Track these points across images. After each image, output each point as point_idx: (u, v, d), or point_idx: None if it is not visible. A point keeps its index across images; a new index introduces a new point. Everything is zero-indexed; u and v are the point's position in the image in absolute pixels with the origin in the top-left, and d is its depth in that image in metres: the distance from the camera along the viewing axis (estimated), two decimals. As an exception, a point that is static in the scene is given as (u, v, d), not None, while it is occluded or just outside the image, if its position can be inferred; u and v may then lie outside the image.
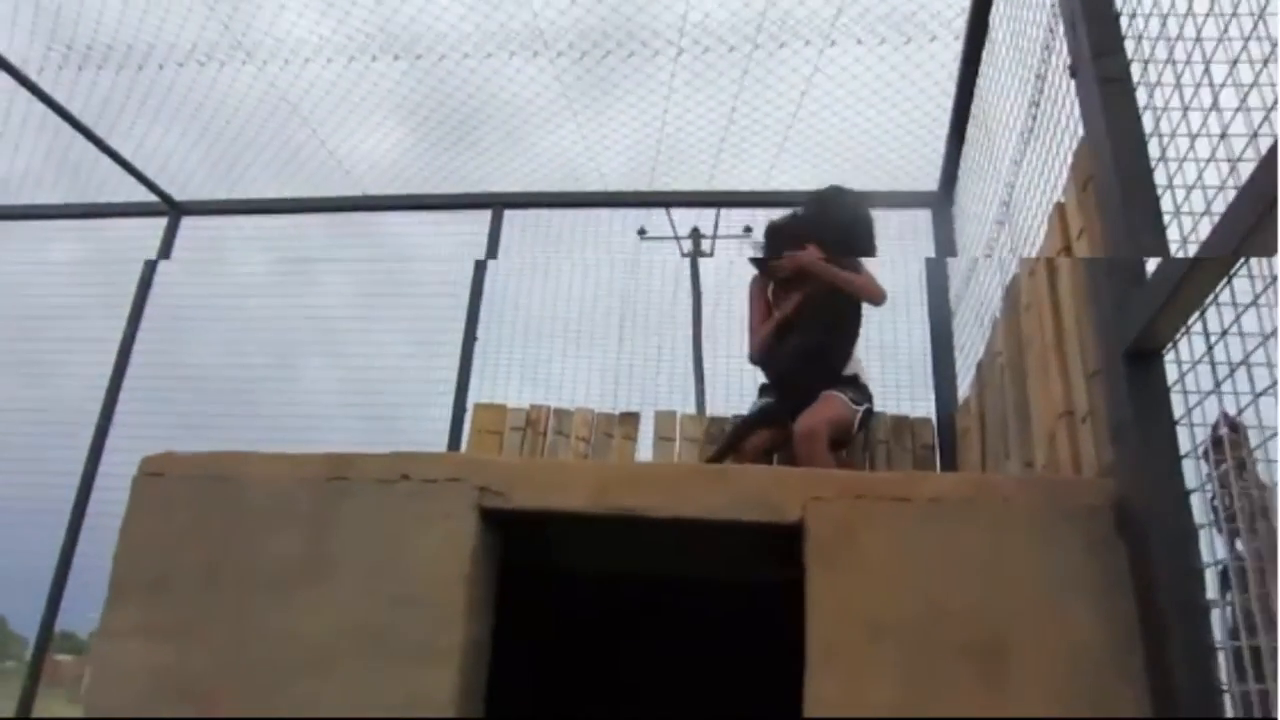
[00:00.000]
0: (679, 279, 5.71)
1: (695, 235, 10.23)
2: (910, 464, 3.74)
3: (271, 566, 1.77)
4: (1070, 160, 2.18)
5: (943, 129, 4.07)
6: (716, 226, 10.03)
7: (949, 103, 3.90)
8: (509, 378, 4.16)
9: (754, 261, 3.71)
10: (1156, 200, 1.76)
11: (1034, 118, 2.90)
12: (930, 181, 4.33)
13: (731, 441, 3.36)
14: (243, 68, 4.51)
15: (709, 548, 1.93)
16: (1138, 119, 1.84)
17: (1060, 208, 2.28)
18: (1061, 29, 2.34)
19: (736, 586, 2.26)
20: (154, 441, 2.17)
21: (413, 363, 4.32)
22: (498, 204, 4.38)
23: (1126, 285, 1.64)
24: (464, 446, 3.93)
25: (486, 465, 1.82)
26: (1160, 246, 1.71)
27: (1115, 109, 1.85)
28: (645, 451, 3.88)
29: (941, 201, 4.22)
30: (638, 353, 4.61)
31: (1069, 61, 2.09)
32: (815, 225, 3.59)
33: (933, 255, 4.19)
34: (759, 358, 3.60)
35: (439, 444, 3.96)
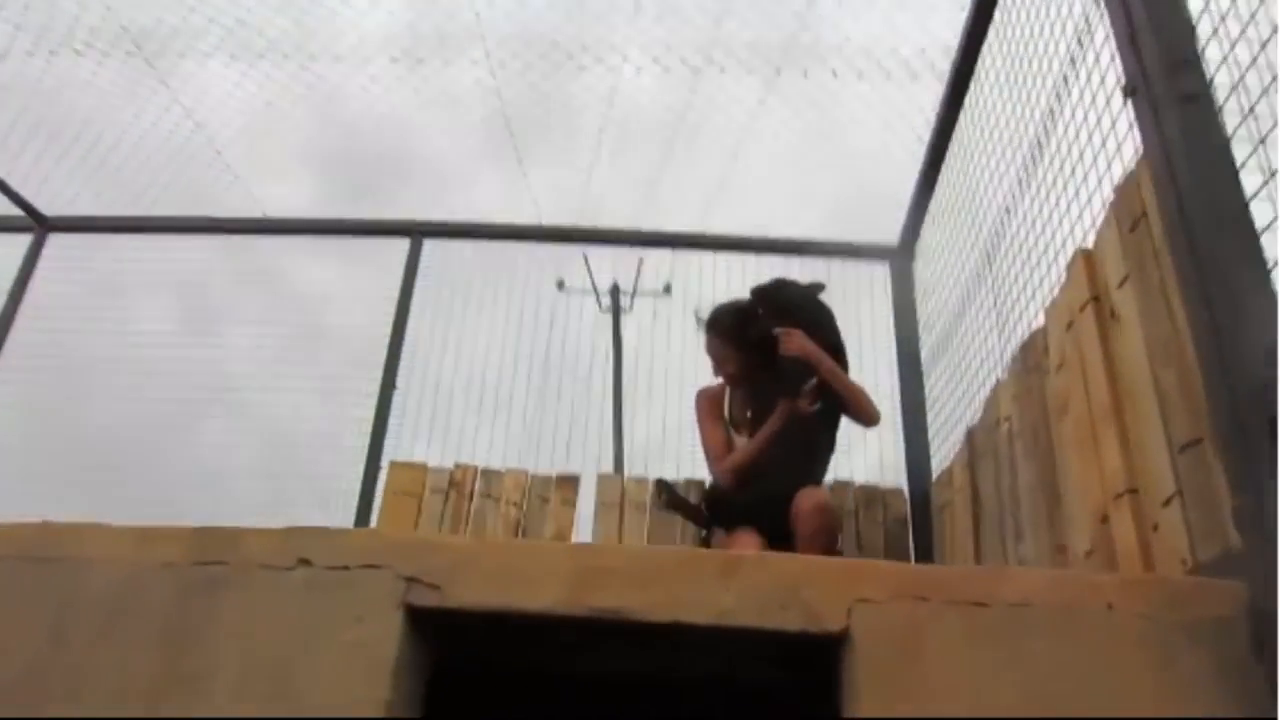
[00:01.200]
0: (598, 332, 5.28)
1: (615, 292, 9.87)
2: (881, 539, 3.37)
3: (112, 689, 1.27)
4: (1113, 198, 1.85)
5: (903, 180, 3.79)
6: (637, 281, 9.73)
7: (905, 149, 3.63)
8: (428, 434, 3.66)
9: (737, 327, 3.14)
10: (1256, 237, 1.44)
11: (1035, 158, 2.62)
12: (888, 234, 4.03)
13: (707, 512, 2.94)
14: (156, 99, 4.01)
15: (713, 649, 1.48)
16: (1226, 145, 1.52)
17: (1087, 256, 1.95)
18: (1100, 47, 2.05)
19: (747, 691, 1.81)
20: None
21: (322, 413, 3.79)
22: (416, 232, 3.92)
23: (1259, 338, 1.29)
24: (375, 513, 3.41)
25: (417, 547, 1.35)
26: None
27: (1195, 132, 1.53)
28: (585, 519, 3.42)
29: (902, 256, 3.92)
30: (560, 411, 4.16)
31: (1122, 82, 1.78)
32: (783, 313, 3.18)
33: (890, 313, 3.87)
34: (735, 486, 3.02)
35: (348, 512, 3.43)
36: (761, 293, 3.21)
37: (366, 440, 3.53)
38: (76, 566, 1.38)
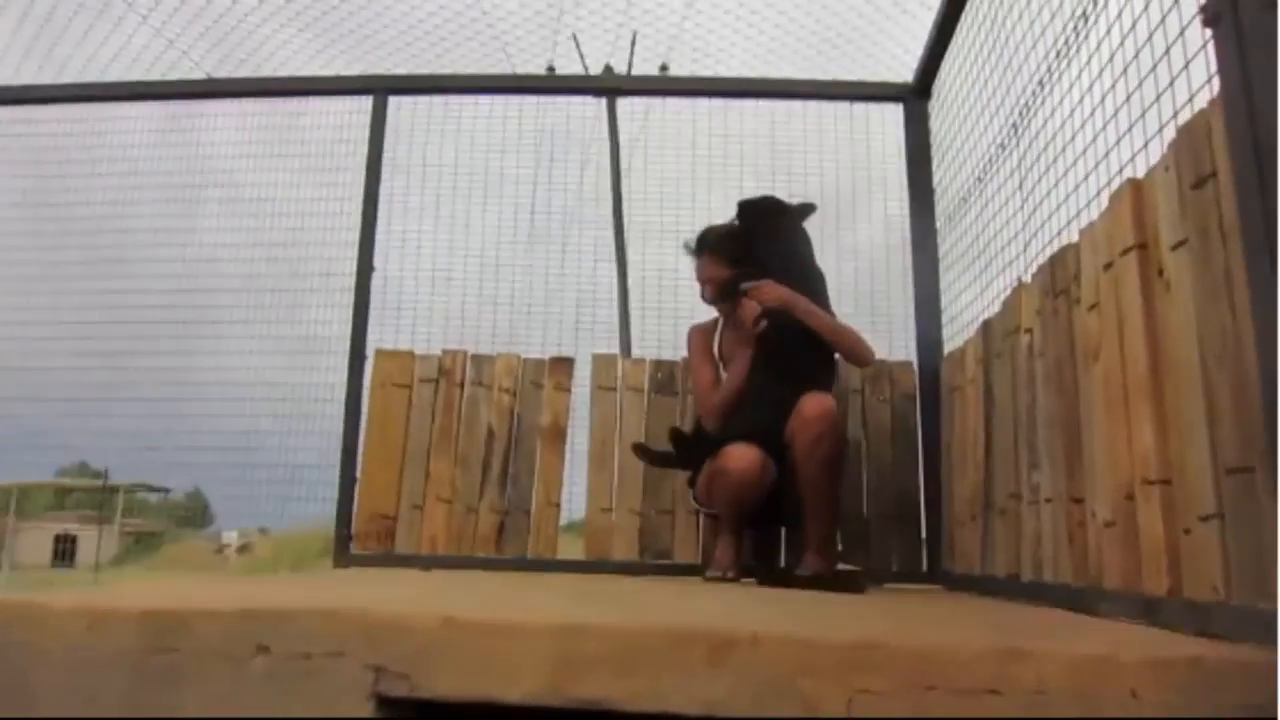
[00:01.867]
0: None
1: (608, 74, 9.31)
2: (888, 416, 3.27)
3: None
4: (1176, 139, 1.57)
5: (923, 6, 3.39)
6: (631, 60, 9.20)
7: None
8: (414, 317, 3.49)
9: (719, 292, 3.03)
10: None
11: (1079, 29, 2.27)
12: (904, 70, 3.65)
13: (707, 450, 2.82)
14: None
15: None
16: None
17: (1137, 191, 1.70)
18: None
19: None
20: None
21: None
22: (381, 89, 3.56)
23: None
24: (365, 405, 3.30)
25: (383, 630, 1.24)
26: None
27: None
28: (582, 403, 3.32)
29: (917, 97, 3.56)
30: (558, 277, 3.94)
31: (1202, 2, 1.46)
32: (768, 247, 2.98)
33: (906, 160, 3.56)
34: (720, 426, 2.93)
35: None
36: (748, 207, 3.00)
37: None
38: (24, 654, 1.28)
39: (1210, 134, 1.41)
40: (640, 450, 2.91)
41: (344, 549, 3.19)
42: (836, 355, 2.94)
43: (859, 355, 2.91)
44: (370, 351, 3.36)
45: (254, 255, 3.85)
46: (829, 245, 3.58)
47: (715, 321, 3.17)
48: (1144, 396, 1.61)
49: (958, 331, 3.16)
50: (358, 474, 3.26)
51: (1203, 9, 1.41)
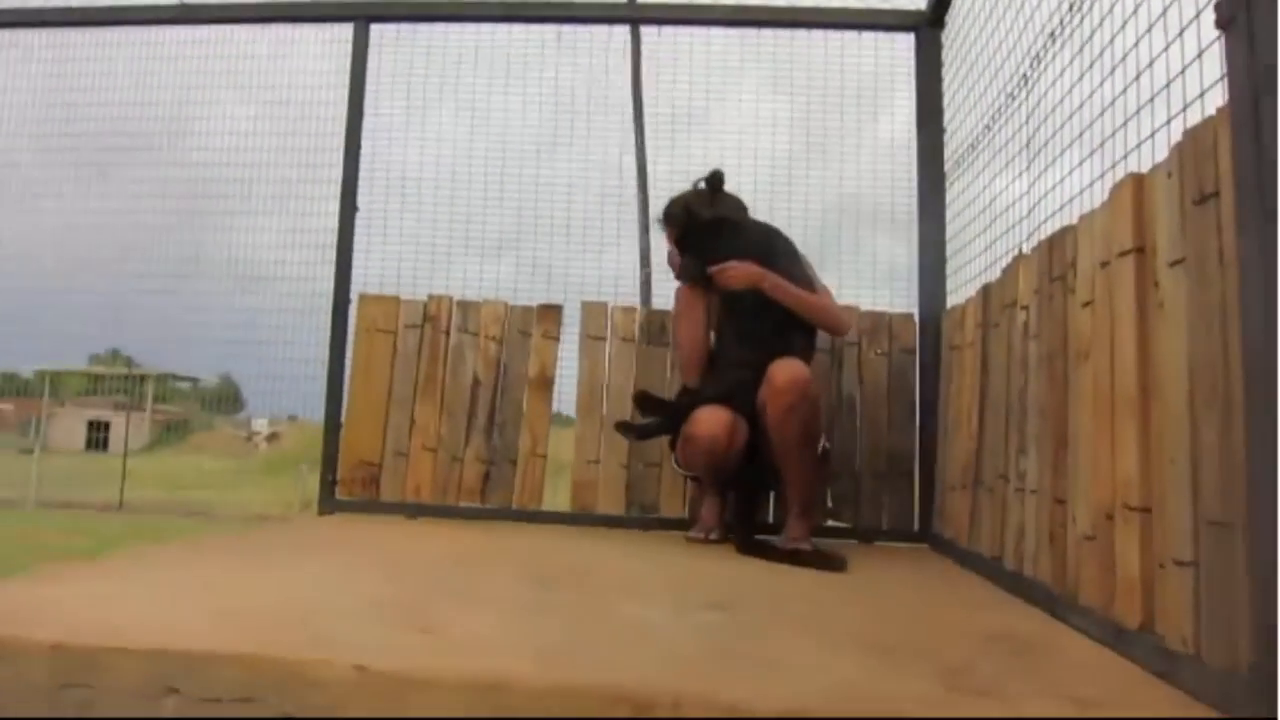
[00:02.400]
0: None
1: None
2: (885, 371, 3.16)
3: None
4: (1180, 141, 1.42)
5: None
6: None
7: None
8: (398, 261, 3.39)
9: (686, 270, 2.86)
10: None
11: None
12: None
13: (676, 416, 2.72)
14: None
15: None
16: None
17: (1138, 187, 1.55)
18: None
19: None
20: None
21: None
22: (361, 16, 3.37)
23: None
24: (349, 348, 3.23)
25: (297, 681, 1.18)
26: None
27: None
28: (570, 353, 3.23)
29: (930, 26, 3.33)
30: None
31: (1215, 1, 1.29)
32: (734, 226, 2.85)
33: (915, 95, 3.36)
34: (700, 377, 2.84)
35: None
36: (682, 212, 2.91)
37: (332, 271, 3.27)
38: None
39: (1216, 147, 1.26)
40: (624, 428, 2.81)
41: (329, 495, 3.17)
42: None
43: (831, 326, 2.82)
44: (354, 295, 3.27)
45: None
46: (831, 181, 3.44)
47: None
48: (1131, 415, 1.50)
49: (963, 284, 3.02)
50: (342, 420, 3.21)
51: (1216, 8, 1.24)
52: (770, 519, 3.06)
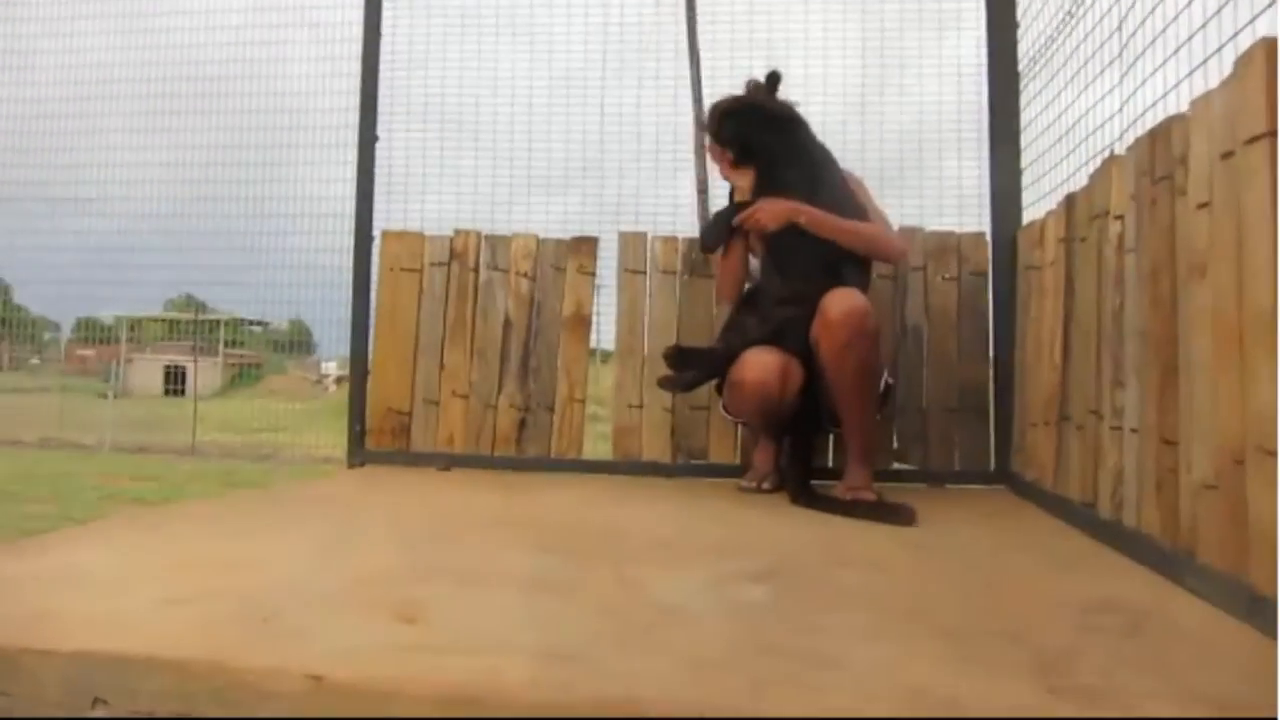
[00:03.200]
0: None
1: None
2: (954, 297, 2.85)
3: None
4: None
5: None
6: None
7: None
8: (422, 190, 3.17)
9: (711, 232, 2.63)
10: None
11: None
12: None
13: (718, 364, 2.47)
14: None
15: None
16: None
17: (1271, 54, 1.23)
18: None
19: None
20: None
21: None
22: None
23: None
24: (374, 287, 3.03)
25: (240, 691, 0.98)
26: None
27: None
28: (608, 288, 2.99)
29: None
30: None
31: None
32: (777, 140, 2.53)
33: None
34: (736, 296, 2.63)
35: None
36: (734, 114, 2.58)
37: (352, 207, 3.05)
38: None
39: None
40: (668, 382, 2.53)
41: (358, 446, 3.00)
42: None
43: (884, 254, 2.52)
44: (377, 232, 3.06)
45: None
46: (899, 107, 3.11)
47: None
48: (1266, 340, 1.21)
49: (1040, 198, 2.69)
50: (369, 366, 3.03)
51: None
52: (830, 463, 2.80)
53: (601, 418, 3.24)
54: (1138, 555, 1.65)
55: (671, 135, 4.22)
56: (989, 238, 2.85)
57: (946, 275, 2.86)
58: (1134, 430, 1.73)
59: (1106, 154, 2.03)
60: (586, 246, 2.99)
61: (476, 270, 3.00)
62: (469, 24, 3.70)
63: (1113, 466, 1.84)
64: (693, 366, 2.46)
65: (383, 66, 3.18)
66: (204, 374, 22.36)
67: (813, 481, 2.39)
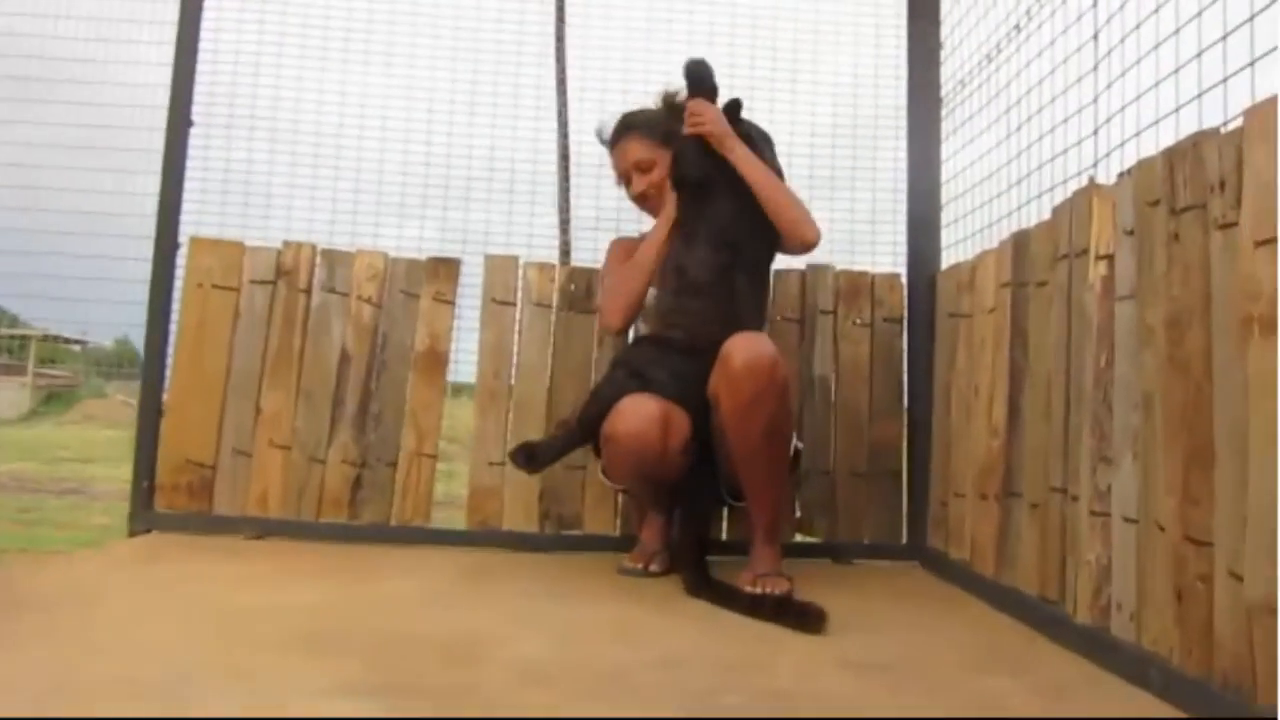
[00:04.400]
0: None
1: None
2: (867, 346, 2.52)
3: None
4: None
5: None
6: None
7: None
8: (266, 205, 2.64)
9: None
10: None
11: None
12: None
13: (588, 426, 2.04)
14: None
15: None
16: None
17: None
18: None
19: None
20: None
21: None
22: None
23: None
24: (176, 309, 2.45)
25: None
26: None
27: None
28: (469, 319, 2.51)
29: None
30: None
31: None
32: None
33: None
34: (627, 319, 2.23)
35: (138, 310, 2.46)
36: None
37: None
38: None
39: None
40: (522, 456, 2.04)
41: (144, 508, 2.39)
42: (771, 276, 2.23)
43: (801, 230, 2.07)
44: (184, 238, 2.49)
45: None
46: (801, 114, 2.79)
47: (642, 236, 2.36)
48: None
49: (965, 237, 2.40)
50: (163, 405, 2.44)
51: None
52: (725, 534, 2.40)
53: (457, 474, 2.74)
54: (1133, 674, 1.30)
55: (532, 164, 3.79)
56: (904, 280, 2.53)
57: (858, 320, 2.52)
58: (1130, 520, 1.39)
59: (1072, 182, 1.72)
60: (446, 270, 2.50)
61: (309, 291, 2.47)
62: (315, 34, 3.19)
63: (1095, 561, 1.49)
64: (549, 461, 2.04)
65: (220, 71, 2.68)
66: (7, 394, 20.22)
67: (709, 558, 1.98)
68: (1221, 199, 1.19)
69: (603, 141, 2.32)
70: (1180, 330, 1.27)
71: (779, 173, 2.15)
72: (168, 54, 2.52)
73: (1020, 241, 1.91)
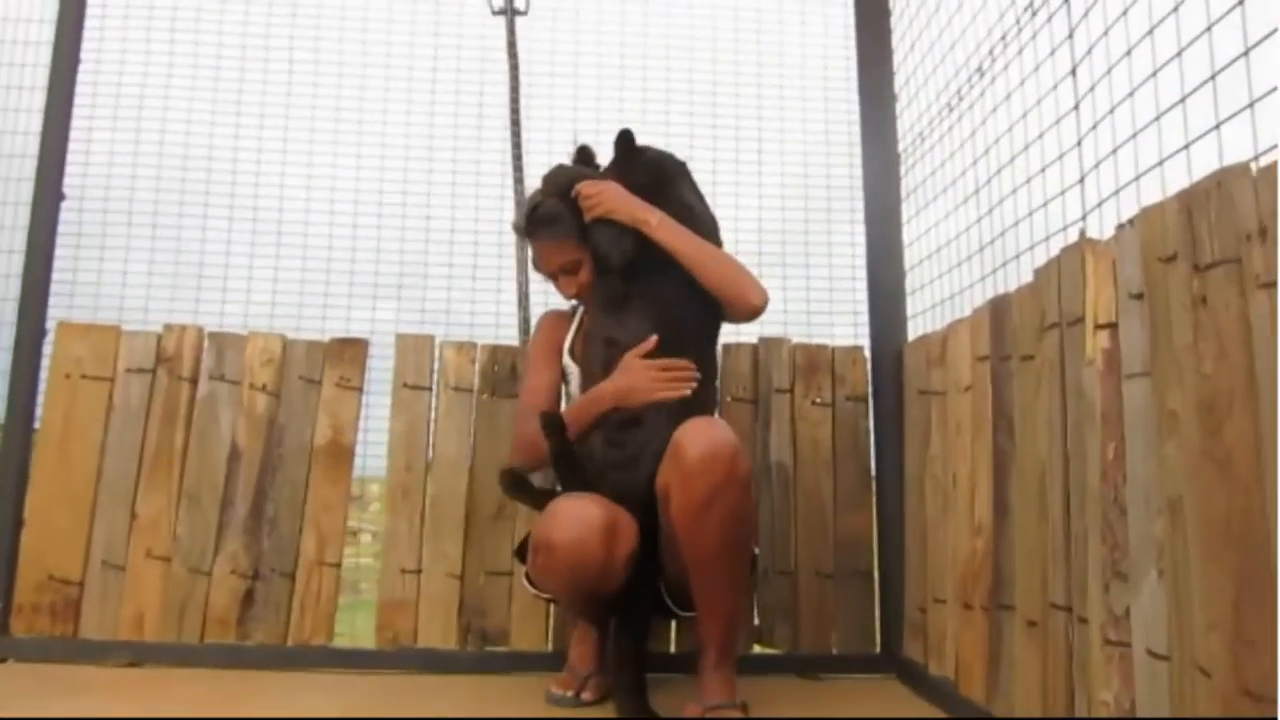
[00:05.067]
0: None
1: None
2: (829, 429, 2.25)
3: None
4: None
5: None
6: None
7: None
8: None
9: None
10: None
11: None
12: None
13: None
14: None
15: None
16: None
17: None
18: None
19: None
20: None
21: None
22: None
23: None
24: (40, 402, 2.14)
25: None
26: None
27: None
28: (380, 408, 2.21)
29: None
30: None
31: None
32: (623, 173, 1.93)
33: (857, 50, 2.50)
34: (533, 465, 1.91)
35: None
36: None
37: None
38: None
39: None
40: (509, 484, 1.77)
41: (-3, 633, 2.05)
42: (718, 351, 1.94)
43: (745, 295, 1.80)
44: (51, 325, 2.18)
45: None
46: (746, 179, 2.56)
47: (574, 310, 2.08)
48: None
49: (934, 305, 2.16)
50: (25, 514, 2.11)
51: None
52: (674, 645, 2.10)
53: (363, 590, 2.42)
54: None
55: (496, 244, 3.49)
56: (868, 354, 2.28)
57: (818, 399, 2.26)
58: (1158, 655, 1.11)
59: (1057, 239, 1.48)
60: (352, 351, 2.22)
61: (194, 381, 2.17)
62: (250, 107, 2.89)
63: (1114, 701, 1.21)
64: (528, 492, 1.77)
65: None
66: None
67: (652, 675, 1.67)
68: (1262, 250, 0.95)
69: (517, 231, 2.06)
70: (1217, 419, 1.01)
71: (707, 220, 1.90)
72: (36, 122, 2.25)
73: (999, 308, 1.66)
